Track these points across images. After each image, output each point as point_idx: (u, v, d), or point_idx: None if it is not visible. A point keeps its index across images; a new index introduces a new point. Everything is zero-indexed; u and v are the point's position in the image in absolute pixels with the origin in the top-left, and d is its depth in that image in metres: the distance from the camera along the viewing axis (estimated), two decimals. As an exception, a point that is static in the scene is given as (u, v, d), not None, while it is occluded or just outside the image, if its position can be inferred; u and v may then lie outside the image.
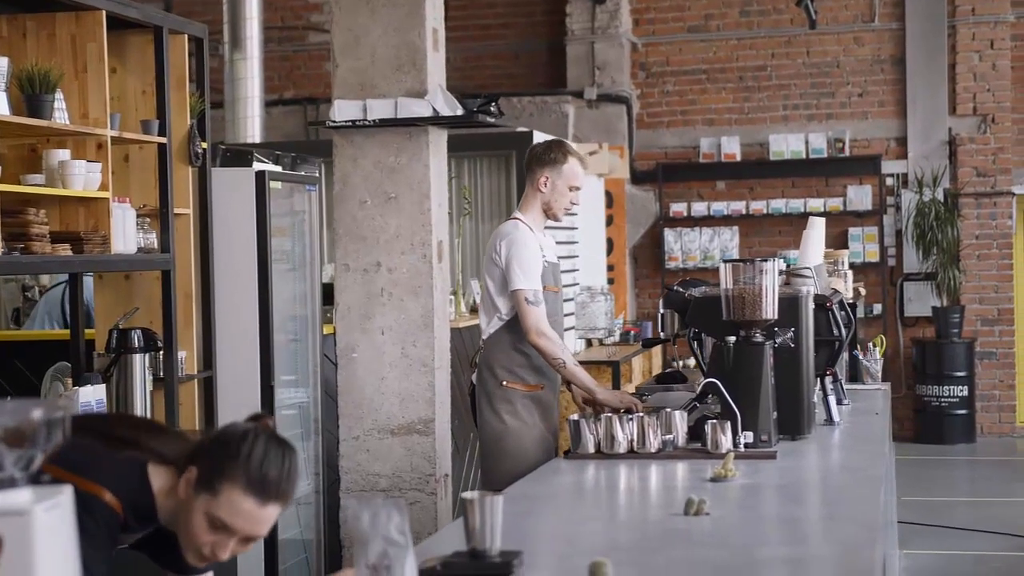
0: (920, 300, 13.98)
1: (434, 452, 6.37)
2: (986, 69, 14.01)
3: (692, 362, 9.14)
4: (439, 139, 6.49)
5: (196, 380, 6.71)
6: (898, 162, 14.14)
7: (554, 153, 5.91)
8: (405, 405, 6.37)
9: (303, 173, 8.08)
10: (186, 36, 6.73)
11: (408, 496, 6.35)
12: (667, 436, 4.93)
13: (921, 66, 14.03)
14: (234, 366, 6.99)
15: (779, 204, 14.13)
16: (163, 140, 6.38)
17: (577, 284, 11.39)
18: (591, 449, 4.93)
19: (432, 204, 6.35)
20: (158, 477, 3.09)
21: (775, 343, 5.14)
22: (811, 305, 5.42)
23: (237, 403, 6.70)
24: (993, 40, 14.00)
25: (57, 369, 6.58)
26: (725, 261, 5.16)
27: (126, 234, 6.08)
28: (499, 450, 5.87)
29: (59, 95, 5.72)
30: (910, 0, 14.03)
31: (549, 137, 8.07)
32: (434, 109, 6.23)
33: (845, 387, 6.48)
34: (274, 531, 7.08)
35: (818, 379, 5.71)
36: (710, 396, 5.05)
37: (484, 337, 5.96)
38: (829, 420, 5.74)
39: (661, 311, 5.79)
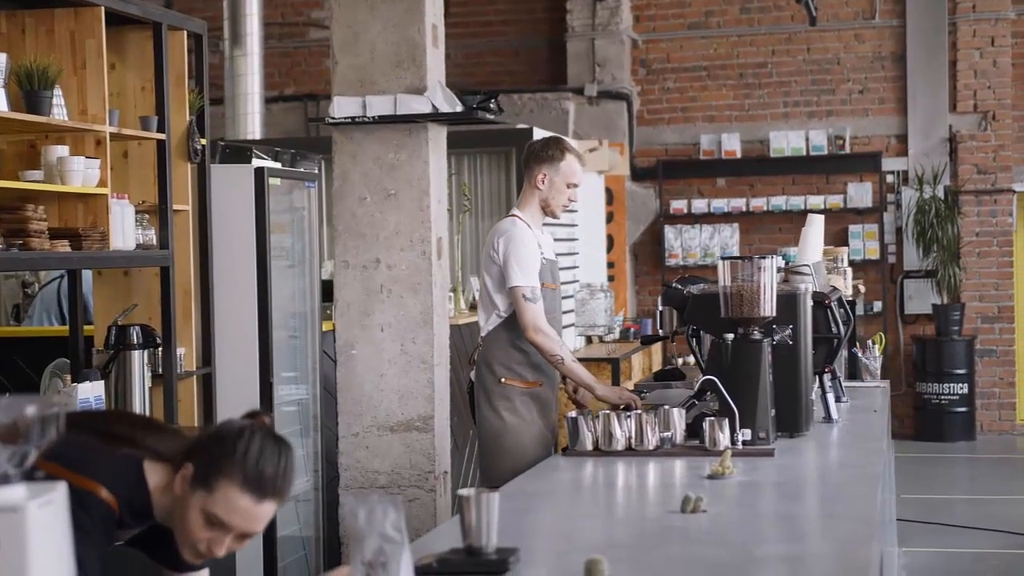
0: (920, 297, 13.98)
1: (433, 449, 6.37)
2: (987, 66, 14.00)
3: (692, 359, 9.15)
4: (439, 136, 6.49)
5: (195, 376, 6.71)
6: (898, 159, 14.14)
7: (552, 150, 5.90)
8: (404, 402, 6.37)
9: (302, 170, 8.08)
10: (185, 32, 6.73)
11: (407, 493, 6.34)
12: (665, 433, 4.93)
13: (922, 63, 14.03)
14: (233, 362, 6.99)
15: (779, 201, 14.13)
16: (162, 136, 6.38)
17: (577, 281, 11.39)
18: (589, 446, 4.93)
19: (431, 201, 6.34)
20: (154, 474, 3.09)
21: (773, 340, 5.14)
22: (809, 302, 5.41)
23: (236, 400, 6.70)
24: (994, 37, 13.99)
25: (56, 365, 6.58)
26: (723, 258, 5.15)
27: (125, 230, 6.07)
28: (498, 447, 5.87)
29: (58, 91, 5.72)
30: (911, -3, 14.04)
31: (548, 134, 8.07)
32: (433, 106, 6.22)
33: (844, 384, 6.47)
34: (273, 528, 7.10)
35: (816, 376, 5.71)
36: (708, 393, 5.05)
37: (482, 334, 5.96)
38: (828, 417, 5.74)
39: (660, 308, 5.78)
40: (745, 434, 4.93)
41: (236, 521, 3.01)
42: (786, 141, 14.16)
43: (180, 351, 6.55)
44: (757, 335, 5.07)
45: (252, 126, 12.29)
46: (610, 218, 13.53)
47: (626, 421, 4.91)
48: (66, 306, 8.15)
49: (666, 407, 5.01)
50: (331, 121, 6.37)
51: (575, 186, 5.93)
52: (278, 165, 7.80)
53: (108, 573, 3.07)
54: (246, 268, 7.07)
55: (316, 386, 7.74)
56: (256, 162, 7.48)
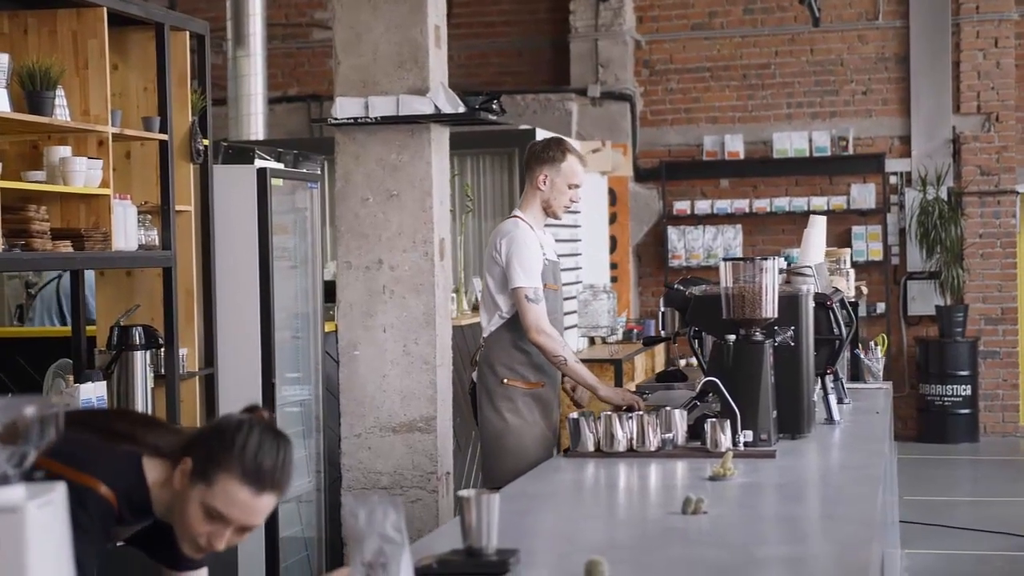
0: (923, 299, 13.97)
1: (436, 450, 6.37)
2: (990, 67, 13.99)
3: (694, 360, 9.14)
4: (441, 136, 6.49)
5: (197, 377, 6.71)
6: (902, 160, 14.13)
7: (553, 151, 5.91)
8: (407, 403, 6.37)
9: (305, 170, 8.08)
10: (188, 33, 6.73)
11: (410, 494, 6.35)
12: (667, 435, 4.93)
13: (925, 64, 14.02)
14: (235, 363, 6.99)
15: (782, 202, 14.12)
16: (164, 137, 6.38)
17: (580, 282, 11.39)
18: (591, 447, 4.93)
19: (434, 202, 6.35)
20: (153, 470, 3.10)
21: (775, 342, 5.13)
22: (811, 304, 5.41)
23: (238, 400, 6.64)
24: (997, 38, 13.99)
25: (59, 366, 6.58)
26: (725, 259, 5.15)
27: (127, 231, 6.08)
28: (500, 448, 5.87)
29: (60, 92, 5.72)
30: (914, -2, 14.04)
31: (551, 135, 8.07)
32: (436, 106, 6.23)
33: (846, 386, 6.47)
34: (275, 529, 7.10)
35: (818, 378, 5.70)
36: (710, 395, 5.05)
37: (485, 335, 5.96)
38: (829, 419, 5.73)
39: (662, 309, 5.79)
40: (747, 435, 4.92)
41: (235, 514, 3.01)
42: (789, 142, 14.16)
43: (182, 352, 6.55)
44: (759, 336, 5.07)
45: (255, 127, 12.29)
46: (613, 219, 13.53)
47: (627, 422, 4.91)
48: (66, 305, 8.18)
49: (668, 408, 5.01)
50: (334, 122, 6.37)
51: (576, 187, 5.94)
52: (281, 166, 7.80)
53: (107, 572, 3.08)
54: (248, 269, 7.07)
55: (318, 387, 7.74)
56: (259, 163, 7.48)
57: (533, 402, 5.89)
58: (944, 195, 13.75)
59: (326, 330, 7.73)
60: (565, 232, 10.74)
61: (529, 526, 3.92)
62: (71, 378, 6.18)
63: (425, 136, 6.34)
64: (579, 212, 11.13)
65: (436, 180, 6.37)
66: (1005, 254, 13.99)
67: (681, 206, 14.35)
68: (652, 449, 4.88)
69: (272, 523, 7.14)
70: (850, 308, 6.24)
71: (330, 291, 7.25)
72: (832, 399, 5.78)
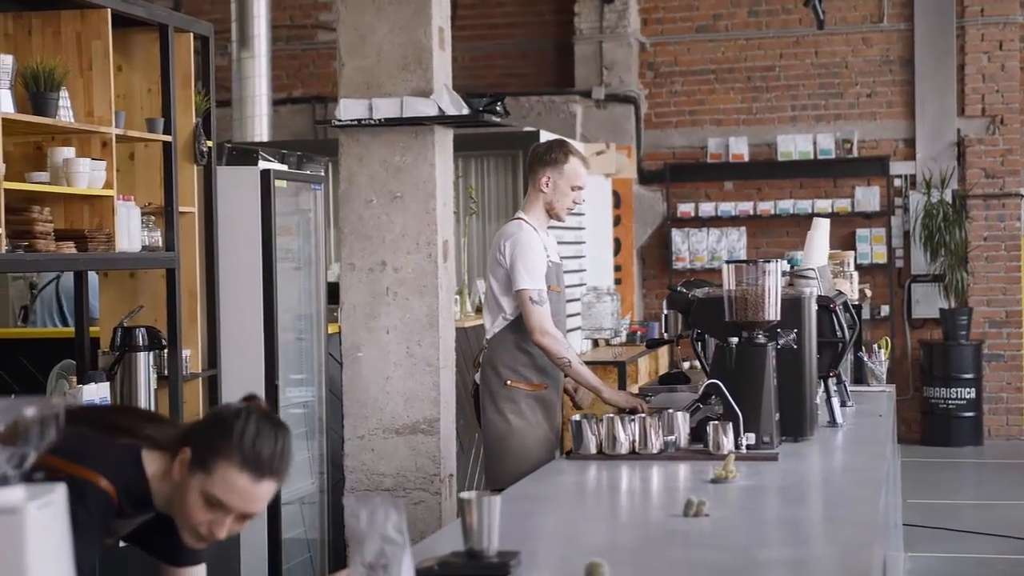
0: (928, 302, 13.96)
1: (439, 452, 6.37)
2: (995, 70, 13.99)
3: (698, 363, 9.13)
4: (445, 138, 6.49)
5: (200, 378, 6.71)
6: (906, 163, 14.12)
7: (555, 153, 5.91)
8: (410, 405, 6.37)
9: (308, 172, 8.09)
10: (192, 34, 6.74)
11: (413, 496, 6.34)
12: (669, 437, 4.92)
13: (930, 67, 14.01)
14: (239, 365, 7.00)
15: (787, 205, 14.12)
16: (168, 138, 6.39)
17: (584, 284, 11.39)
18: (593, 450, 4.93)
19: (437, 203, 6.35)
20: (152, 462, 3.12)
21: (778, 344, 5.13)
22: (814, 306, 5.41)
23: (241, 401, 6.69)
24: (1002, 41, 13.98)
25: (62, 367, 6.59)
26: (728, 262, 5.15)
27: (130, 232, 6.08)
28: (503, 450, 5.88)
29: (64, 93, 5.73)
30: (919, 1, 14.01)
31: (554, 137, 8.07)
32: (440, 108, 6.23)
33: (850, 389, 6.46)
34: (278, 530, 7.10)
35: (821, 381, 5.70)
36: (712, 397, 5.04)
37: (488, 337, 5.97)
38: (832, 422, 5.73)
39: (665, 312, 5.79)
40: (749, 438, 4.92)
41: (235, 501, 3.03)
42: (794, 145, 14.15)
43: (186, 353, 6.56)
44: (761, 339, 5.07)
45: (260, 128, 12.29)
46: (617, 221, 13.52)
47: (630, 425, 4.91)
48: (65, 304, 8.21)
49: (670, 411, 5.01)
50: (337, 124, 6.38)
51: (579, 189, 5.94)
52: (284, 167, 7.80)
53: (107, 572, 3.09)
54: (252, 270, 7.08)
55: (322, 388, 7.75)
56: (262, 164, 7.48)
57: (536, 404, 5.90)
58: (948, 198, 13.74)
59: (330, 332, 7.74)
60: (569, 234, 10.74)
61: (531, 528, 3.92)
62: (74, 379, 6.18)
63: (429, 138, 6.34)
64: (583, 214, 11.14)
65: (440, 182, 6.37)
66: (1009, 257, 13.98)
67: (685, 208, 14.34)
68: (654, 451, 4.88)
69: (275, 524, 7.15)
70: (853, 311, 6.23)
71: (334, 293, 7.24)
72: (835, 402, 5.78)
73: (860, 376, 7.28)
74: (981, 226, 13.96)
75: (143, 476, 3.10)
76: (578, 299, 11.08)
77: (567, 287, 7.00)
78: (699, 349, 5.57)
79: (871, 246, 13.98)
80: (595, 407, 6.04)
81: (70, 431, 2.47)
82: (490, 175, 11.44)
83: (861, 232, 14.00)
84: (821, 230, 6.68)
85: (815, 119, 14.32)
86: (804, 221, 13.48)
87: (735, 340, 5.06)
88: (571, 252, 10.83)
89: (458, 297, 9.00)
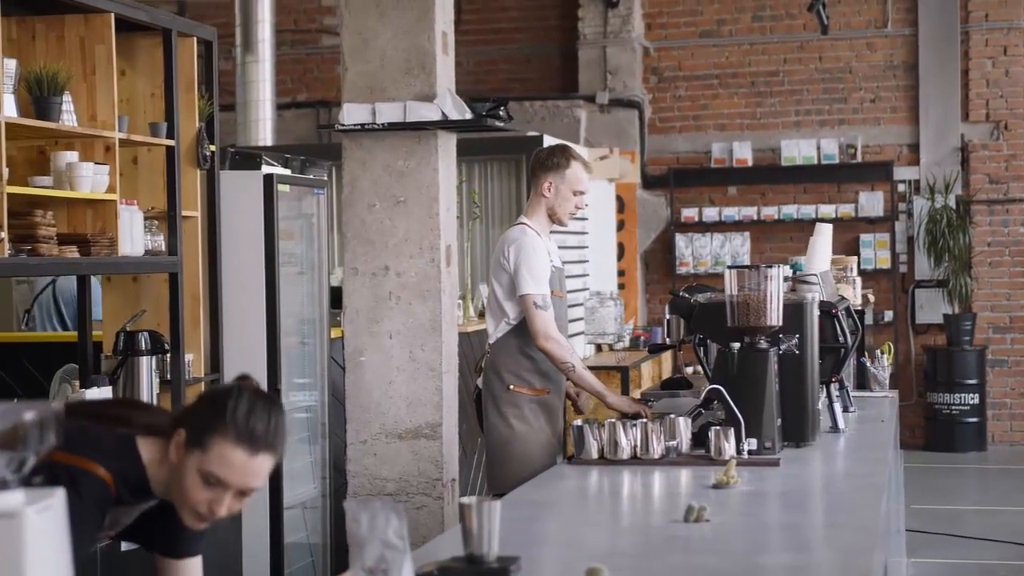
0: (931, 307, 13.95)
1: (441, 456, 6.37)
2: (999, 75, 13.98)
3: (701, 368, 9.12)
4: (448, 143, 6.49)
5: (203, 383, 6.71)
6: (910, 168, 14.11)
7: (557, 158, 5.92)
8: (413, 409, 6.36)
9: (311, 176, 8.10)
10: (195, 39, 6.75)
11: (415, 501, 6.34)
12: (671, 442, 4.92)
13: (934, 72, 14.01)
14: (241, 369, 6.90)
15: (790, 210, 14.11)
16: (171, 143, 6.40)
17: (587, 289, 11.39)
18: (594, 455, 4.93)
19: (441, 208, 6.34)
20: (147, 448, 3.15)
21: (779, 350, 5.13)
22: (816, 312, 5.40)
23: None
24: (1006, 46, 13.97)
25: (65, 371, 6.60)
26: (730, 267, 5.15)
27: (133, 236, 6.09)
28: (505, 454, 5.88)
29: (67, 97, 5.74)
30: (923, 6, 14.01)
31: (557, 142, 8.07)
32: (443, 113, 6.22)
33: (852, 394, 6.46)
34: (280, 535, 7.11)
35: (823, 386, 5.70)
36: (714, 402, 5.04)
37: (491, 341, 5.97)
38: (834, 427, 5.72)
39: (667, 317, 5.79)
40: (751, 443, 4.92)
41: (233, 477, 3.05)
42: (797, 150, 14.15)
43: (188, 357, 6.56)
44: (763, 344, 5.06)
45: (263, 132, 12.31)
46: (621, 226, 13.52)
47: (632, 430, 4.91)
48: (64, 308, 8.23)
49: (672, 416, 5.01)
50: (341, 128, 6.38)
51: (582, 193, 5.94)
52: (287, 172, 7.80)
53: (108, 570, 3.10)
54: (255, 274, 7.08)
55: (324, 393, 7.75)
56: (265, 169, 7.48)
57: (539, 409, 5.90)
58: (952, 203, 13.73)
59: (332, 336, 7.74)
60: (572, 239, 10.74)
61: (532, 533, 3.92)
62: (77, 383, 6.19)
63: (432, 142, 6.34)
64: (586, 219, 11.14)
65: (443, 186, 6.37)
66: (1013, 263, 13.97)
67: (689, 213, 14.34)
68: (656, 457, 4.88)
69: (277, 529, 7.15)
70: (856, 316, 6.23)
71: (337, 297, 7.26)
72: (837, 407, 5.77)
73: (863, 381, 7.27)
74: (985, 231, 13.95)
75: (139, 463, 3.13)
76: (581, 304, 11.08)
77: (570, 292, 7.01)
78: (701, 354, 5.57)
79: (875, 251, 13.97)
80: (598, 412, 6.05)
81: (65, 424, 2.49)
82: (494, 180, 11.44)
83: (865, 237, 13.99)
84: (824, 235, 6.69)
85: (819, 124, 14.32)
86: (808, 226, 13.47)
87: (737, 345, 5.06)
88: (574, 257, 10.83)
89: (461, 302, 8.99)
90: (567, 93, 14.40)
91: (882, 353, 7.45)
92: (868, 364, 7.26)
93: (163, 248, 6.38)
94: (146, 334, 6.26)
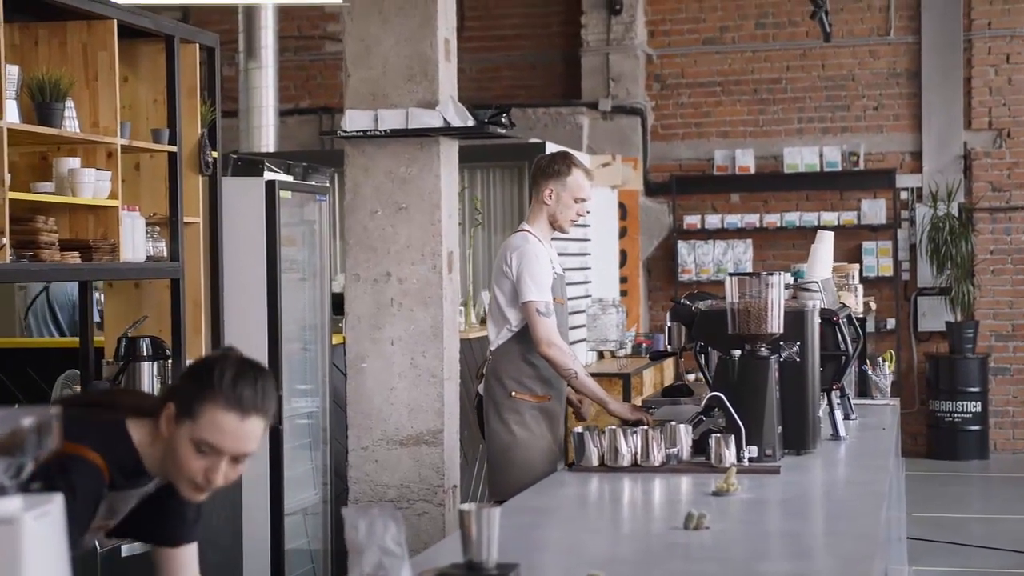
0: (934, 315, 13.95)
1: (442, 463, 6.37)
2: (1002, 83, 13.98)
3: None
4: (450, 150, 6.50)
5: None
6: (913, 176, 14.12)
7: (558, 165, 5.92)
8: (414, 416, 6.37)
9: (314, 183, 8.10)
10: (197, 45, 6.76)
11: (416, 507, 6.34)
12: (671, 449, 4.92)
13: (936, 80, 14.01)
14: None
15: (793, 217, 14.11)
16: (173, 149, 6.41)
17: (589, 296, 11.38)
18: (595, 462, 4.92)
19: (443, 215, 6.35)
20: (137, 430, 3.17)
21: (780, 357, 5.12)
22: (817, 319, 5.40)
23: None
24: (1009, 54, 13.98)
25: (67, 377, 6.61)
26: (731, 275, 5.14)
27: (135, 242, 6.10)
28: (507, 461, 5.88)
29: (70, 103, 5.75)
30: (926, 13, 14.02)
31: (560, 148, 8.08)
32: (445, 120, 6.23)
33: (853, 402, 6.46)
34: (281, 541, 7.10)
35: (824, 394, 5.69)
36: (715, 410, 5.04)
37: (492, 348, 5.97)
38: (835, 435, 5.72)
39: (668, 324, 5.78)
40: (751, 451, 4.91)
41: (226, 442, 3.07)
42: (800, 157, 14.15)
43: (190, 363, 6.56)
44: (764, 352, 5.06)
45: (266, 139, 12.32)
46: (623, 233, 13.52)
47: (632, 437, 4.90)
48: (59, 312, 8.24)
49: (673, 423, 5.01)
50: (343, 134, 6.38)
51: (583, 200, 5.94)
52: (290, 178, 7.81)
53: (108, 573, 3.12)
54: (256, 281, 7.09)
55: (326, 399, 7.75)
56: (268, 175, 7.50)
57: (540, 415, 5.90)
58: (955, 211, 13.73)
59: (334, 342, 7.74)
60: (574, 246, 10.74)
61: (532, 540, 3.92)
62: (79, 389, 6.19)
63: (434, 149, 6.35)
64: (589, 226, 11.13)
65: (445, 193, 6.38)
66: (1016, 270, 13.97)
67: (691, 220, 14.35)
68: (656, 464, 4.88)
69: (278, 535, 7.15)
70: (857, 324, 6.23)
71: (339, 303, 7.26)
72: (838, 415, 5.77)
73: (864, 389, 7.27)
74: (987, 239, 13.95)
75: (131, 445, 3.16)
76: (583, 311, 11.08)
77: (572, 299, 7.00)
78: (702, 361, 5.57)
79: (877, 259, 13.97)
80: (599, 419, 6.04)
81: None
82: (496, 186, 11.45)
83: (867, 245, 14.00)
84: (825, 243, 6.68)
85: (822, 132, 14.32)
86: (810, 234, 13.44)
87: (738, 353, 5.06)
88: (576, 264, 10.83)
89: (463, 308, 9.00)
90: (570, 100, 14.41)
91: (883, 361, 7.44)
92: (869, 372, 7.25)
93: (165, 254, 6.38)
94: (147, 340, 6.26)
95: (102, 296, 6.88)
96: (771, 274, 5.08)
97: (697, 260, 14.31)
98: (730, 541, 3.83)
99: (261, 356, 7.06)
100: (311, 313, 7.75)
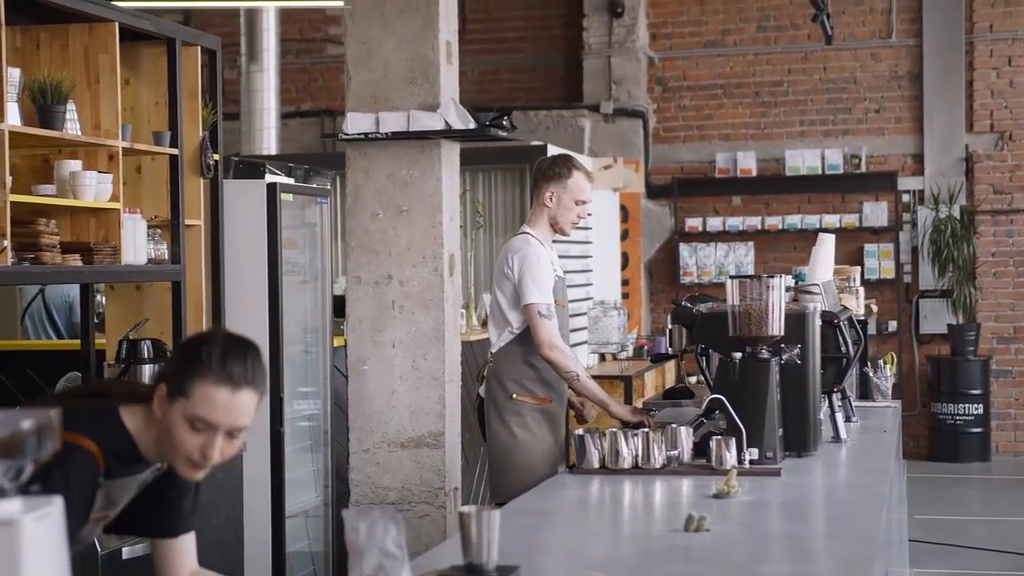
0: (936, 317, 13.95)
1: (444, 465, 6.37)
2: (1003, 86, 13.99)
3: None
4: (451, 152, 6.50)
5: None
6: (914, 178, 14.12)
7: (559, 168, 5.93)
8: (415, 418, 6.37)
9: (315, 185, 8.11)
10: (199, 48, 6.76)
11: (417, 510, 6.34)
12: (672, 452, 4.92)
13: (938, 83, 14.01)
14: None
15: (795, 220, 14.11)
16: (175, 151, 6.41)
17: (591, 298, 11.38)
18: (596, 464, 4.93)
19: (444, 217, 6.35)
20: (131, 416, 3.20)
21: (781, 360, 5.13)
22: (818, 322, 5.40)
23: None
24: (1011, 57, 13.98)
25: (68, 379, 6.61)
26: (732, 277, 5.14)
27: (137, 245, 6.10)
28: (508, 463, 5.88)
29: (71, 106, 5.75)
30: (928, 16, 14.02)
31: (561, 151, 8.08)
32: (446, 122, 6.23)
33: (855, 404, 6.46)
34: (282, 544, 7.10)
35: (825, 396, 5.70)
36: (716, 412, 5.04)
37: (493, 350, 5.97)
38: (836, 437, 5.72)
39: (669, 326, 5.79)
40: (752, 453, 4.92)
41: (219, 417, 3.09)
42: (802, 160, 14.15)
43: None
44: (765, 354, 5.06)
45: (268, 141, 12.33)
46: (625, 235, 13.53)
47: (633, 439, 4.91)
48: (56, 314, 8.24)
49: (673, 426, 5.01)
50: (344, 137, 6.38)
51: (583, 203, 5.95)
52: (291, 181, 7.81)
53: (108, 570, 3.13)
54: (258, 283, 7.09)
55: (327, 402, 7.75)
56: (269, 177, 7.50)
57: (541, 417, 5.90)
58: (957, 213, 13.73)
59: (335, 345, 7.74)
60: (576, 248, 10.75)
61: (532, 542, 3.92)
62: (79, 391, 6.19)
63: (435, 152, 6.35)
64: (590, 228, 11.14)
65: (446, 196, 6.38)
66: (1018, 273, 13.97)
67: (693, 223, 14.35)
68: (657, 466, 4.88)
69: (279, 538, 7.15)
70: (858, 326, 6.23)
71: (340, 306, 7.26)
72: (839, 417, 5.77)
73: (866, 392, 7.27)
74: (989, 242, 13.95)
75: (126, 432, 3.18)
76: (585, 313, 11.08)
77: (573, 301, 7.01)
78: (703, 364, 5.57)
79: (879, 261, 13.97)
80: (600, 421, 6.05)
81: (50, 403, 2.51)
82: (497, 189, 11.45)
83: (869, 247, 14.00)
84: (826, 245, 6.68)
85: (823, 134, 14.33)
86: (812, 236, 13.43)
87: (739, 355, 5.06)
88: (578, 266, 10.84)
89: (464, 311, 9.00)
90: (571, 103, 14.41)
91: (885, 363, 7.44)
92: (871, 374, 7.26)
93: (166, 257, 6.39)
94: (149, 343, 6.26)
95: (103, 298, 6.89)
96: (772, 277, 5.08)
97: (699, 262, 14.31)
98: (731, 543, 3.83)
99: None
100: (312, 315, 7.75)
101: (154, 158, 6.44)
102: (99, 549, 5.15)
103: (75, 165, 5.83)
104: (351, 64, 6.38)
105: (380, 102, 6.33)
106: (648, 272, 14.47)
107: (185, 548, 3.45)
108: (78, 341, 6.63)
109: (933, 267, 13.71)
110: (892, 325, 13.92)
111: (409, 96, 6.32)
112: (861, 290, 7.89)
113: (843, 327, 5.81)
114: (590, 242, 11.35)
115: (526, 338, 5.84)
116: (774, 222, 14.16)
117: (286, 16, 13.76)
